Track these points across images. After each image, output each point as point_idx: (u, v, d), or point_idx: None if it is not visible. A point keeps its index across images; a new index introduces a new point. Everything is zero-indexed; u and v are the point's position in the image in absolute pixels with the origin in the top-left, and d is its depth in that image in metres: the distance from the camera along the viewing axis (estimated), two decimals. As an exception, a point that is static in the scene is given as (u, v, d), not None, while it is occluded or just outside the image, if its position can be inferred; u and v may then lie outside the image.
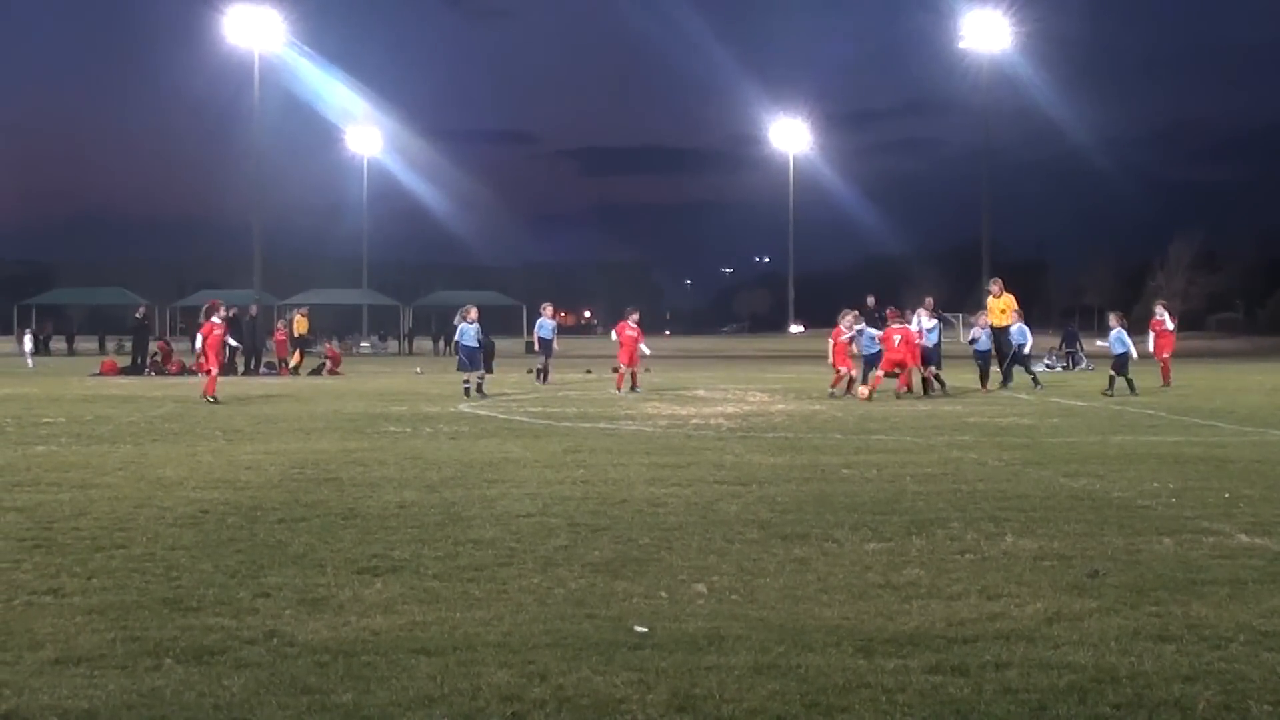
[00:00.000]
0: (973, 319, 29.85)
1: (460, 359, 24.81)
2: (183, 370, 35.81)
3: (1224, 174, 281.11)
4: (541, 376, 28.99)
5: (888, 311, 24.56)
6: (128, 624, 6.18)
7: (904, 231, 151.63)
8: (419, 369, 39.67)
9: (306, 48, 69.02)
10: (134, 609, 6.49)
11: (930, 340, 24.09)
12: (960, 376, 26.52)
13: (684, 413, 19.90)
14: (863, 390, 22.44)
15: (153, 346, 39.16)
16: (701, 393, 25.55)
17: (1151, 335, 28.97)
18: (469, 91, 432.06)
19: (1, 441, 15.06)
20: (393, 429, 16.92)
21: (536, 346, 31.28)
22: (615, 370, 27.44)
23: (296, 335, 39.09)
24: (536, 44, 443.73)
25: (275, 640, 5.89)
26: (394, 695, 5.10)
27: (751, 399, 23.46)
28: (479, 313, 24.67)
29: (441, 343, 59.86)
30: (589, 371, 34.86)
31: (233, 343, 31.78)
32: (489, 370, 26.23)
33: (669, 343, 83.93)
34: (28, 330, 49.96)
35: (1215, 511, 9.61)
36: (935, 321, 24.98)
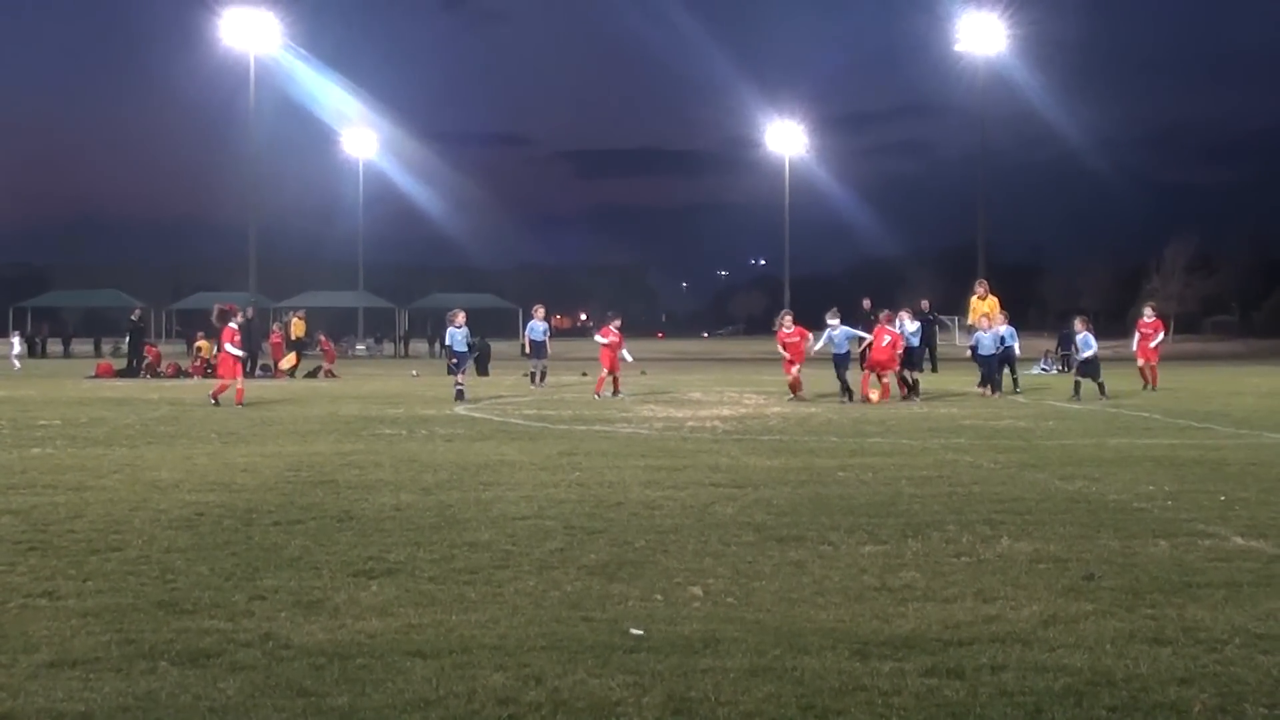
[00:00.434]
0: (974, 324, 29.91)
1: (449, 363, 25.01)
2: (178, 373, 35.79)
3: (1220, 177, 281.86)
4: (538, 379, 28.98)
5: (882, 315, 24.75)
6: (123, 627, 6.17)
7: (900, 234, 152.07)
8: (415, 371, 39.62)
9: (302, 50, 68.74)
10: (129, 612, 6.48)
11: (912, 342, 24.79)
12: (958, 380, 26.51)
13: (679, 415, 19.90)
14: (873, 395, 22.90)
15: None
16: (697, 395, 25.55)
17: (1137, 336, 28.95)
18: (465, 94, 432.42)
19: (-4, 444, 15.04)
20: (388, 431, 16.92)
21: (528, 350, 31.10)
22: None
23: (293, 338, 39.01)
24: (532, 47, 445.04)
25: (271, 643, 5.88)
26: (389, 698, 5.09)
27: (747, 401, 23.46)
28: (466, 316, 25.62)
29: (437, 345, 59.75)
30: (585, 374, 34.82)
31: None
32: (483, 373, 26.32)
33: (663, 345, 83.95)
34: (18, 333, 49.74)
35: (1211, 514, 9.62)
36: (918, 324, 25.92)
